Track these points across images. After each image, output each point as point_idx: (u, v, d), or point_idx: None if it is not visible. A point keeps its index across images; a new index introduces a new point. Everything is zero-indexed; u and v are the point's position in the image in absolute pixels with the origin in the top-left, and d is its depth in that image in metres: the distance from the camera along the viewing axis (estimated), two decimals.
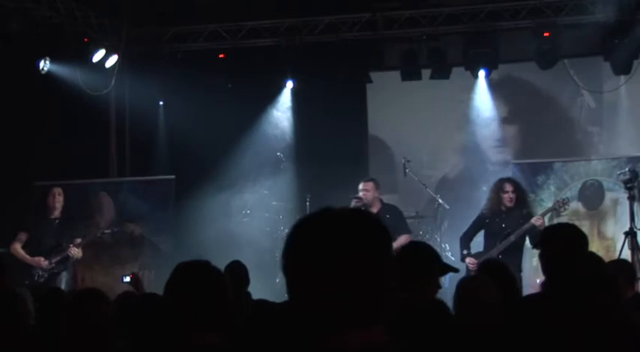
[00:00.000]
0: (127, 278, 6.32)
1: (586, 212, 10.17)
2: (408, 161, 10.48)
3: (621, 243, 9.04)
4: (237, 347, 3.13)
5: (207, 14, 11.35)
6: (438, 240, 10.06)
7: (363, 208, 8.91)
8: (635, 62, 10.67)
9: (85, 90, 10.75)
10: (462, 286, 4.07)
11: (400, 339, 1.75)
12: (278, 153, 11.39)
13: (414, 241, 6.35)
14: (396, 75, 11.40)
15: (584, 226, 8.99)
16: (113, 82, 11.19)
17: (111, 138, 12.03)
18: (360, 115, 12.14)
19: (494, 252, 8.59)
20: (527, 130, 11.80)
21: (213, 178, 11.20)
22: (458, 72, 11.19)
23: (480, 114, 11.76)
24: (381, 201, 9.44)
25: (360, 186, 9.44)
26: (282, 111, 12.05)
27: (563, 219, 9.21)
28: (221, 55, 11.56)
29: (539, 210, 9.33)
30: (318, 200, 10.06)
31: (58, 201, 9.88)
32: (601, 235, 10.08)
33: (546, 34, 10.66)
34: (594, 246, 8.97)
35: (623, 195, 9.49)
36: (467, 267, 8.50)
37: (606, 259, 6.81)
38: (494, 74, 11.38)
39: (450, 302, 4.02)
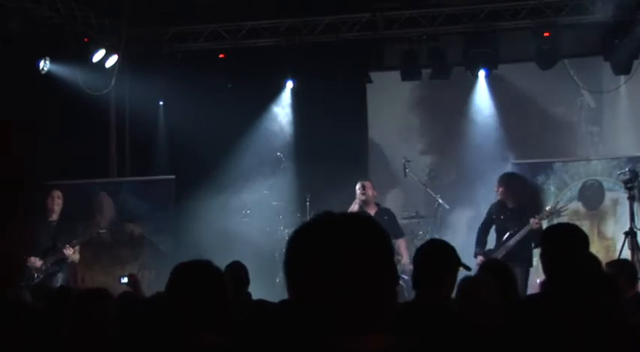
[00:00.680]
0: (125, 280, 6.30)
1: (586, 212, 10.17)
2: (408, 161, 10.49)
3: (621, 243, 9.06)
4: (237, 347, 3.12)
5: (207, 14, 11.35)
6: None
7: (361, 210, 9.02)
8: (635, 62, 10.66)
9: (85, 90, 10.75)
10: (464, 286, 4.07)
11: (400, 338, 1.75)
12: (278, 153, 11.38)
13: (431, 239, 6.42)
14: (396, 75, 11.40)
15: (584, 226, 8.97)
16: (113, 82, 11.19)
17: (111, 138, 12.03)
18: (360, 115, 12.14)
19: (499, 253, 8.69)
20: (527, 130, 11.79)
21: (213, 178, 11.18)
22: (458, 72, 11.20)
23: (480, 114, 11.75)
24: (376, 203, 9.53)
25: (359, 185, 9.50)
26: (282, 112, 12.04)
27: (563, 219, 9.23)
28: (221, 55, 11.55)
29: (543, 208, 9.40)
30: (318, 200, 10.09)
31: (57, 204, 9.85)
32: (601, 235, 10.07)
33: (546, 34, 10.66)
34: (594, 246, 8.96)
35: (623, 195, 9.49)
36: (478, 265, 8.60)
37: (606, 259, 6.85)
38: (494, 74, 11.38)
39: None
